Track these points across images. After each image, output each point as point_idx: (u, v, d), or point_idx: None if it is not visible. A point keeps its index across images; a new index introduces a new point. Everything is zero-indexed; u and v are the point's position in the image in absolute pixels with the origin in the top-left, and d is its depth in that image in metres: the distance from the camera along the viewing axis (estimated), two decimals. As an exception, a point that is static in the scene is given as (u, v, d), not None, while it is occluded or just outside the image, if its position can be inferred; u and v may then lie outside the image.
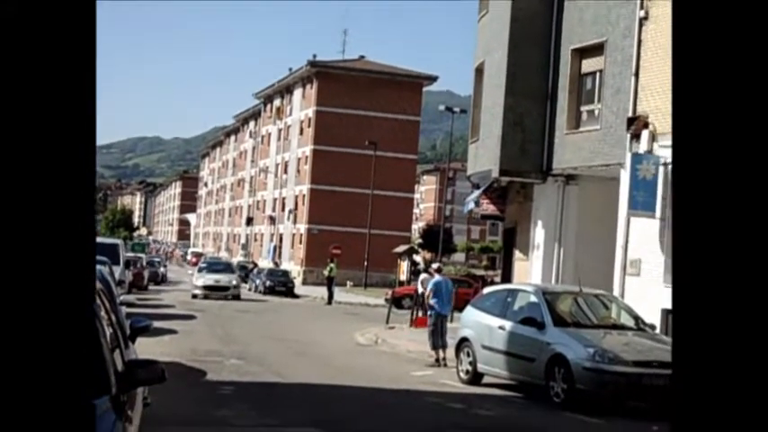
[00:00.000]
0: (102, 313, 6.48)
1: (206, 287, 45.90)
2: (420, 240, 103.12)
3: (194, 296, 45.16)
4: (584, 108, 25.83)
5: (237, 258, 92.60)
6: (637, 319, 17.45)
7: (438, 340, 21.19)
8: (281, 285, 57.03)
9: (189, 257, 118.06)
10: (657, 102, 21.21)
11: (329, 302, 49.24)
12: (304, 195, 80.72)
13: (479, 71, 30.01)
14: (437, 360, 21.08)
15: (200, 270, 49.75)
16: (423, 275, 32.09)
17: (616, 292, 21.45)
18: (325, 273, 51.96)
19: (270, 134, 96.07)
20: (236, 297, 46.15)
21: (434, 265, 25.88)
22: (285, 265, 73.58)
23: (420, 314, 29.71)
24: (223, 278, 47.24)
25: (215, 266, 51.51)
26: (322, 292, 52.78)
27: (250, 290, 60.71)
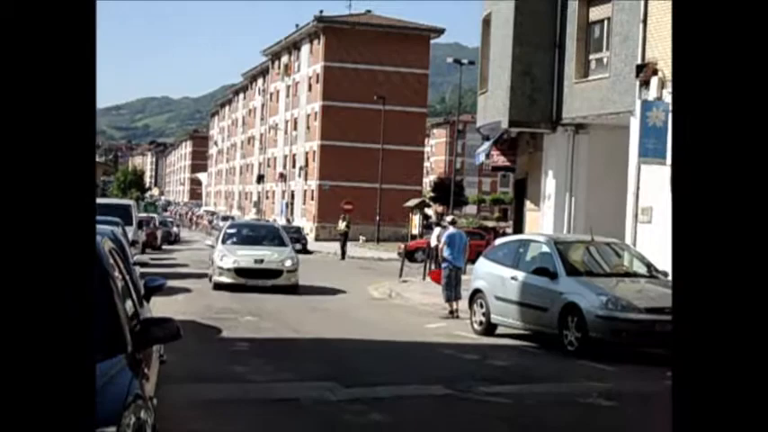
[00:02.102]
0: (116, 273, 6.53)
1: (240, 271, 26.22)
2: (431, 194, 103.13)
3: (217, 286, 26.09)
4: (592, 56, 25.71)
5: (250, 216, 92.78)
6: (649, 266, 17.47)
7: (452, 292, 21.27)
8: (294, 242, 57.03)
9: (204, 219, 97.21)
10: (666, 48, 21.07)
11: (342, 257, 49.30)
12: (314, 151, 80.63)
13: (486, 22, 29.83)
14: (451, 312, 21.18)
15: (225, 240, 28.42)
16: (437, 229, 32.14)
17: (628, 240, 21.46)
18: (341, 227, 51.56)
19: (278, 91, 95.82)
20: (294, 288, 26.51)
21: (448, 218, 25.90)
22: (297, 222, 73.74)
23: (433, 267, 29.81)
24: (269, 255, 27.13)
25: (252, 233, 30.01)
26: (335, 247, 52.84)
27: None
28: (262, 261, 26.58)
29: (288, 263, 26.79)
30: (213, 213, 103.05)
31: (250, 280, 26.01)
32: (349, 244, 51.83)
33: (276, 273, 26.47)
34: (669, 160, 20.66)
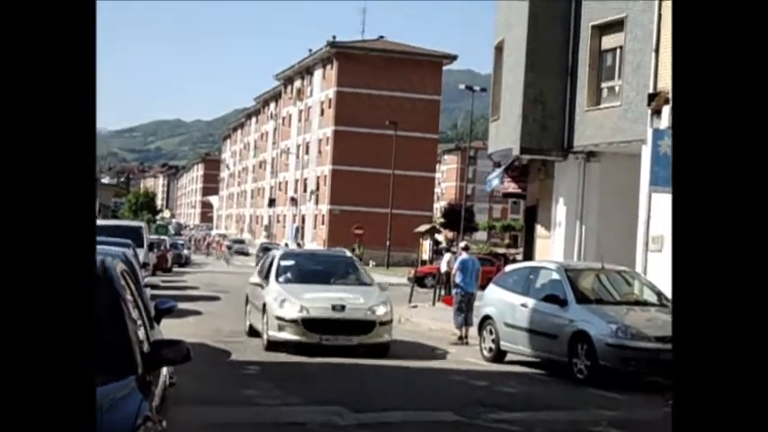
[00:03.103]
0: (128, 295, 6.56)
1: (312, 324, 17.93)
2: (442, 219, 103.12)
3: (274, 345, 18.04)
4: (604, 84, 25.76)
5: (260, 240, 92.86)
6: (659, 294, 17.43)
7: (463, 318, 21.24)
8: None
9: (222, 245, 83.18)
10: (678, 77, 21.11)
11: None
12: (326, 176, 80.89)
13: (499, 49, 29.94)
14: (460, 338, 21.14)
15: (279, 275, 19.67)
16: (447, 255, 32.19)
17: (638, 269, 21.42)
18: (357, 251, 51.40)
19: (291, 115, 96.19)
20: (385, 350, 18.37)
21: (461, 244, 25.91)
22: (308, 246, 73.76)
23: (443, 293, 29.82)
24: (352, 298, 18.73)
25: (318, 267, 21.21)
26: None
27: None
28: (342, 308, 17.90)
29: (380, 310, 18.18)
30: (224, 236, 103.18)
31: (327, 337, 17.56)
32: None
33: (365, 326, 17.88)
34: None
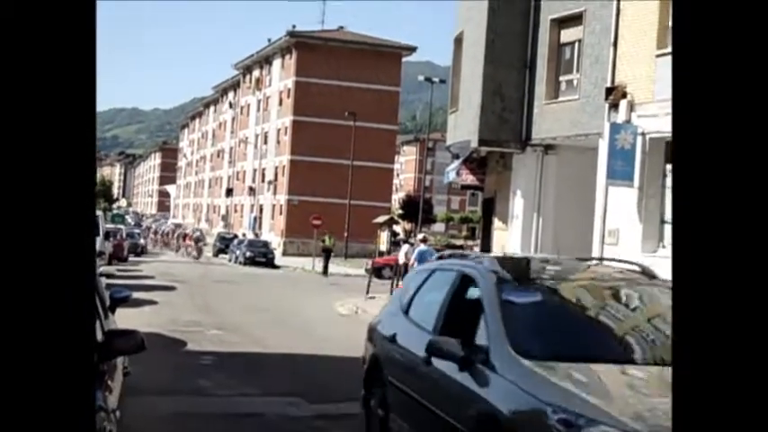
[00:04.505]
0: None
1: None
2: (400, 211, 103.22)
3: None
4: (562, 78, 25.86)
5: (218, 229, 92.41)
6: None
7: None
8: (261, 256, 57.10)
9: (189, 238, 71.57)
10: (636, 71, 21.24)
11: (325, 274, 49.41)
12: (284, 166, 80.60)
13: (459, 41, 29.96)
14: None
15: (519, 339, 6.69)
16: (405, 246, 32.21)
17: (594, 261, 21.54)
18: (327, 242, 51.85)
19: (249, 105, 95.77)
20: None
21: (420, 236, 25.96)
22: (265, 236, 73.56)
23: (401, 284, 29.82)
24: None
25: (597, 309, 7.74)
26: (302, 262, 52.69)
27: (230, 261, 60.76)
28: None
29: None
30: (179, 225, 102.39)
31: None
32: (316, 260, 51.84)
33: None
34: (636, 183, 20.82)
